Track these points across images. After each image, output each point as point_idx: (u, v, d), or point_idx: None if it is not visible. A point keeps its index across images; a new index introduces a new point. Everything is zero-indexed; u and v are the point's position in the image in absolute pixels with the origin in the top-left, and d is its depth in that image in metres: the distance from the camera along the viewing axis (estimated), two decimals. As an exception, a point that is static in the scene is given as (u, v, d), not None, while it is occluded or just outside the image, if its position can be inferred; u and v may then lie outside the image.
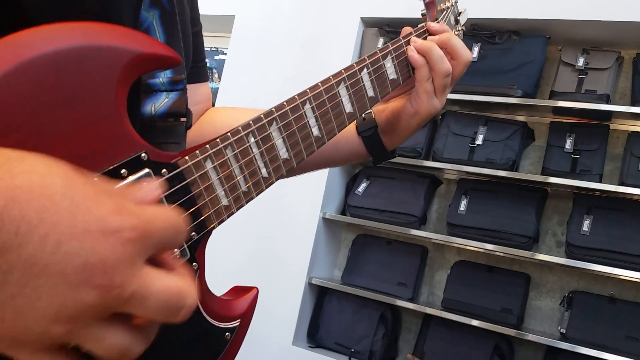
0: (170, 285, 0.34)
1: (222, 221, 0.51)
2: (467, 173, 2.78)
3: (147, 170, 0.44)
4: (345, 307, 2.90)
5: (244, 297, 0.56)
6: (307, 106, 0.60)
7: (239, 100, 3.25)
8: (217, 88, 3.46)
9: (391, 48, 0.73)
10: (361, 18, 3.06)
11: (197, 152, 0.49)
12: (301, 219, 2.96)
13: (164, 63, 0.45)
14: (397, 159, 2.82)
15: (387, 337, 2.82)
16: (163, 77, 0.57)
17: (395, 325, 2.89)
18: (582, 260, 2.42)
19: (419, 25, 0.79)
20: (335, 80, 0.65)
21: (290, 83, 3.10)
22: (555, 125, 2.73)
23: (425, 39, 0.77)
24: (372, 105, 0.71)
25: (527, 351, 2.67)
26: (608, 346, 2.33)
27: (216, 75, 3.77)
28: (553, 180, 2.53)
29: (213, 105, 0.86)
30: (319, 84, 0.63)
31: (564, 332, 2.47)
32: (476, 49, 2.79)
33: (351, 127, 0.82)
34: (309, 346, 2.91)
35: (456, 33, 0.87)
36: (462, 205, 2.71)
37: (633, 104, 2.51)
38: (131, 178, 0.43)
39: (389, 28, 2.99)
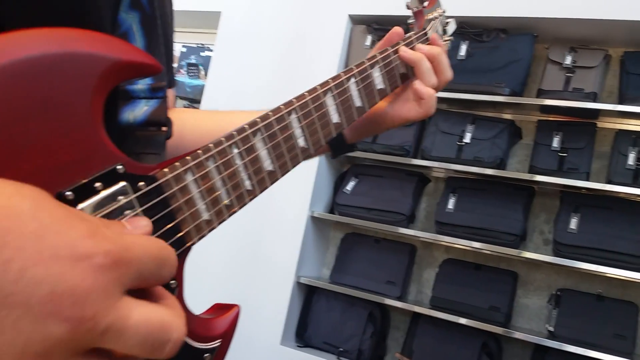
0: (151, 317, 0.31)
1: (203, 236, 0.49)
2: (455, 171, 2.77)
3: (123, 183, 0.42)
4: (334, 306, 2.89)
5: (224, 315, 0.53)
6: (293, 116, 0.58)
7: (225, 97, 3.22)
8: (204, 85, 3.42)
9: (379, 57, 0.72)
10: (349, 15, 3.04)
11: (177, 163, 0.47)
12: (289, 218, 2.94)
13: (143, 71, 0.42)
14: (386, 157, 2.82)
15: (376, 335, 2.81)
16: (143, 83, 0.55)
17: (383, 324, 2.88)
18: (570, 258, 2.43)
19: (410, 34, 0.79)
20: (322, 90, 0.63)
21: (277, 80, 3.07)
22: (543, 123, 2.73)
23: (412, 48, 0.77)
24: (360, 116, 0.70)
25: (515, 349, 2.68)
26: (596, 344, 2.34)
27: (202, 72, 3.73)
28: (540, 178, 2.53)
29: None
30: (306, 93, 0.61)
31: (552, 330, 2.47)
32: (464, 47, 2.78)
33: None
34: (297, 345, 2.90)
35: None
36: (450, 204, 2.70)
37: (620, 102, 2.52)
38: (105, 193, 0.40)
39: (377, 25, 2.98)
